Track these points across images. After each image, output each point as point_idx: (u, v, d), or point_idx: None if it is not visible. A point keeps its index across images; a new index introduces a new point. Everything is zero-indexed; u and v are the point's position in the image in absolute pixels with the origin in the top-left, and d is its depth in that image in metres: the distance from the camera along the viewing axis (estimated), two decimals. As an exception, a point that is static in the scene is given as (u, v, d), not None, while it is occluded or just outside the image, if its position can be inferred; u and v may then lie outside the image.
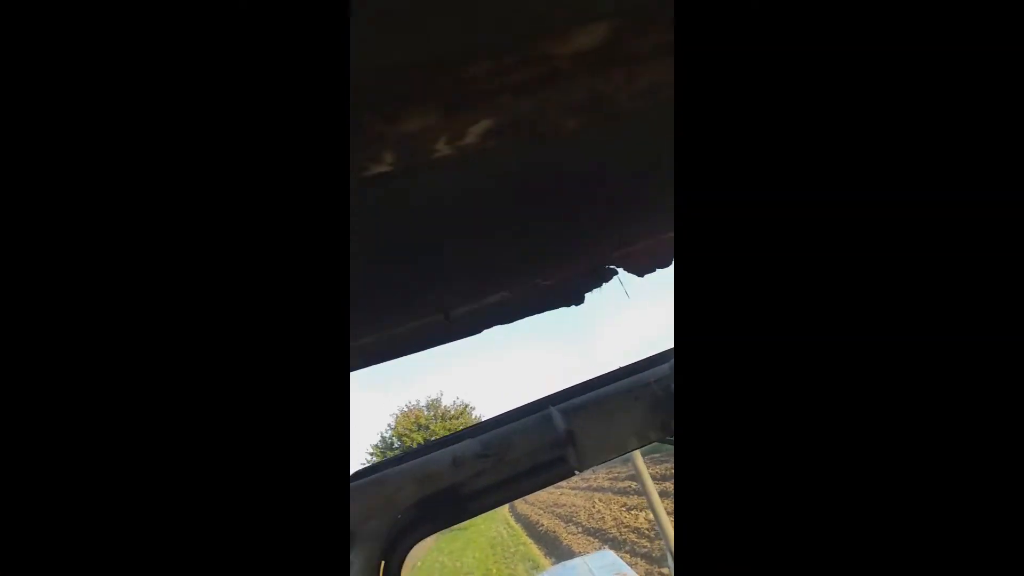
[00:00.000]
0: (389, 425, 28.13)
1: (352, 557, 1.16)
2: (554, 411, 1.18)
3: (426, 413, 28.01)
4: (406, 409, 28.15)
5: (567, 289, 1.27)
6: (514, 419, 1.24)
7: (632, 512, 11.65)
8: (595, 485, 19.09)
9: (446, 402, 28.81)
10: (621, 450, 1.18)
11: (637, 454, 4.46)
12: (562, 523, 14.52)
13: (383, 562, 1.24)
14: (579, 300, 1.32)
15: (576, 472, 1.21)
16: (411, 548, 1.17)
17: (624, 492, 14.35)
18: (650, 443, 1.25)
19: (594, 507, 14.72)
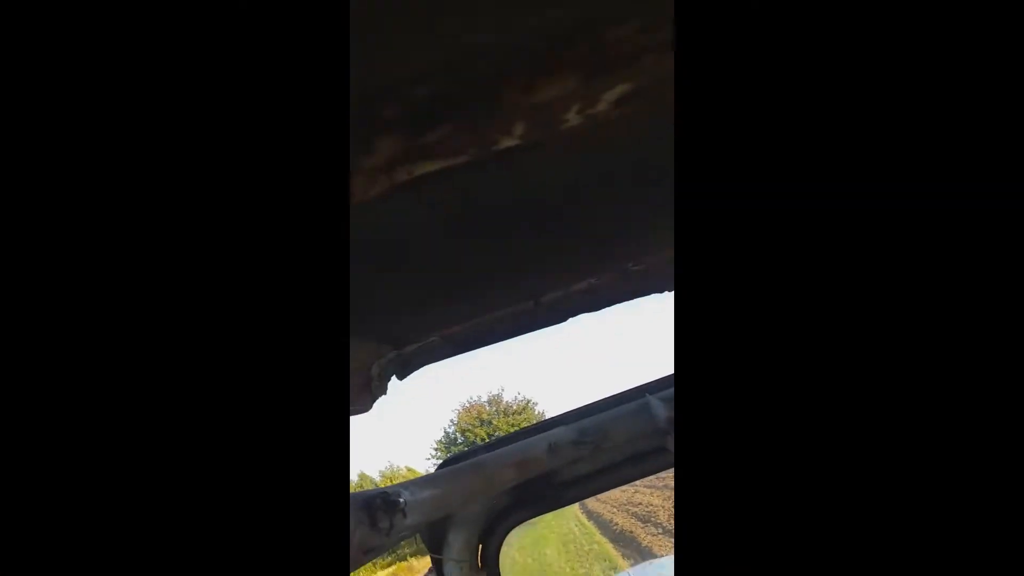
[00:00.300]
0: (451, 421, 28.64)
1: (451, 539, 1.19)
2: (652, 399, 1.16)
3: (488, 408, 28.30)
4: (468, 404, 28.57)
5: (657, 275, 1.24)
6: (609, 407, 1.22)
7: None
8: (672, 484, 18.50)
9: (507, 397, 29.01)
10: None
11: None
12: (639, 523, 13.79)
13: (480, 545, 1.25)
14: (670, 287, 1.29)
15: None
16: (509, 532, 1.18)
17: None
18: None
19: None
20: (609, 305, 1.29)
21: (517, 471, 1.09)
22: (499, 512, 1.16)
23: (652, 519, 13.60)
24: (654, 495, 17.41)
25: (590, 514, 19.87)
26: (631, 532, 12.81)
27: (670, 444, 1.12)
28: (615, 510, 18.10)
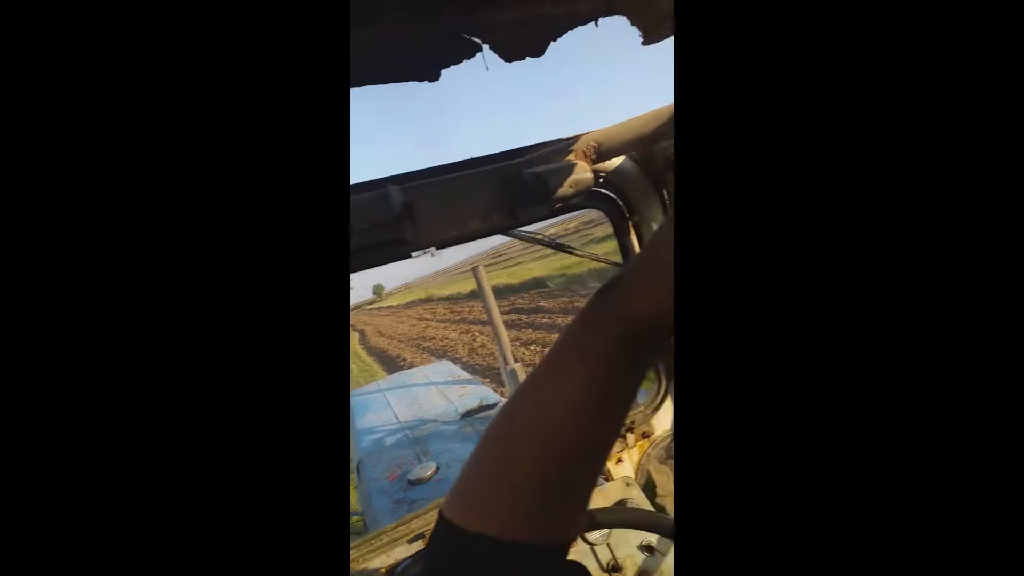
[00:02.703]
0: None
1: None
2: (391, 188, 1.08)
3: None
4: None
5: (417, 58, 1.08)
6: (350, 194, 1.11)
7: (529, 347, 10.09)
8: (470, 318, 17.89)
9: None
10: (463, 228, 1.11)
11: (486, 283, 4.53)
12: (433, 358, 12.27)
13: None
14: (433, 75, 1.14)
15: (412, 253, 1.14)
16: None
17: (513, 326, 12.51)
18: (496, 230, 1.19)
19: (475, 340, 13.48)
20: (363, 83, 1.11)
21: None
22: None
23: (449, 352, 12.56)
24: (450, 329, 16.50)
25: (372, 350, 18.17)
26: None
27: (407, 230, 1.06)
28: (403, 345, 16.73)
